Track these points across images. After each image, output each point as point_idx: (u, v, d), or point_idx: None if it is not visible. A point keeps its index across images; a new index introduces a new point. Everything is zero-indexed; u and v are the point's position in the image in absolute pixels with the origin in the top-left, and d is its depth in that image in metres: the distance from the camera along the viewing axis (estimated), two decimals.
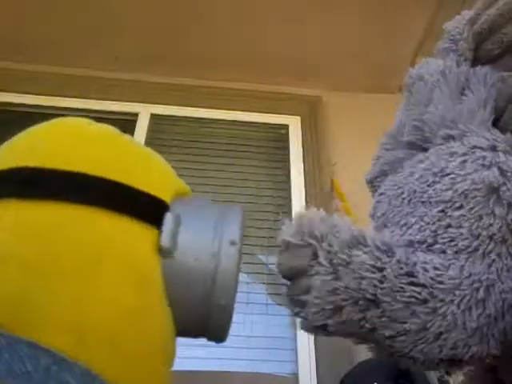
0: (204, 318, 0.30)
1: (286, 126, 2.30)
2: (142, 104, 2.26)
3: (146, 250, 0.27)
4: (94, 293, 0.24)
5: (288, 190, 2.05)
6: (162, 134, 2.22)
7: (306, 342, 1.63)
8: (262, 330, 1.70)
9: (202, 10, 2.03)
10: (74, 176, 0.26)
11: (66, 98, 2.22)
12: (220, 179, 2.06)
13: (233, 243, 0.30)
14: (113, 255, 0.25)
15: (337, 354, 1.58)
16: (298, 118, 2.32)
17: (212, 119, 2.27)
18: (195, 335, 0.33)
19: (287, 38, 2.15)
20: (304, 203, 2.00)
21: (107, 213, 0.26)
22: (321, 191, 2.01)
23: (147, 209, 0.28)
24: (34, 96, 2.20)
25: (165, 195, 0.29)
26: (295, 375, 1.59)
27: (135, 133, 2.15)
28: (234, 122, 2.28)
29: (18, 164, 0.27)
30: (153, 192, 0.29)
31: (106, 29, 2.13)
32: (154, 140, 2.18)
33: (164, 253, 0.28)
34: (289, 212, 1.97)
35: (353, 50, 2.22)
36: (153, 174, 0.31)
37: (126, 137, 0.33)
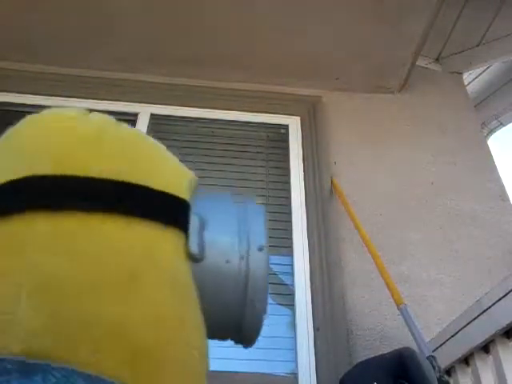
0: (236, 321, 0.30)
1: (285, 126, 2.30)
2: (141, 104, 2.26)
3: (176, 256, 0.26)
4: (135, 314, 0.23)
5: (288, 190, 2.05)
6: (161, 134, 2.22)
7: (305, 341, 1.63)
8: (262, 329, 1.70)
9: (202, 10, 2.03)
10: (94, 183, 0.25)
11: (66, 98, 2.22)
12: (220, 179, 2.06)
13: (261, 249, 0.30)
14: (150, 268, 0.24)
15: (336, 354, 1.58)
16: (298, 118, 2.32)
17: (212, 119, 2.27)
18: (224, 338, 0.32)
19: (287, 38, 2.15)
20: (304, 203, 2.00)
21: (133, 220, 0.25)
22: (321, 191, 2.01)
23: (171, 212, 0.27)
24: (34, 96, 2.20)
25: (184, 193, 0.28)
26: (295, 375, 1.59)
27: None
28: (234, 122, 2.28)
29: (36, 172, 0.25)
30: (172, 190, 0.28)
31: (106, 29, 2.13)
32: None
33: (194, 258, 0.27)
34: (289, 212, 1.97)
35: (353, 50, 2.22)
36: (167, 168, 0.30)
37: (127, 127, 0.31)
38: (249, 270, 0.29)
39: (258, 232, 0.31)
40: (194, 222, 0.28)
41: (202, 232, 0.28)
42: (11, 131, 0.30)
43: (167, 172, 0.29)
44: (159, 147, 0.31)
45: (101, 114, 0.30)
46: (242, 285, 0.29)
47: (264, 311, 0.30)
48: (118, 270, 0.23)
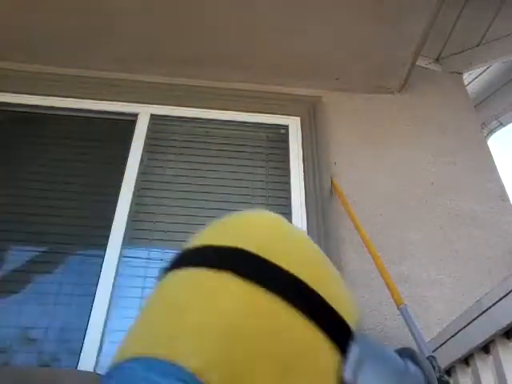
0: None
1: (285, 127, 2.30)
2: (141, 104, 2.26)
3: (330, 371, 0.26)
4: None
5: (288, 190, 2.05)
6: (161, 135, 2.22)
7: None
8: None
9: (202, 10, 2.03)
10: (286, 274, 0.28)
11: (66, 99, 2.22)
12: (220, 179, 2.06)
13: None
14: (304, 366, 0.25)
15: None
16: (298, 118, 2.32)
17: (211, 119, 2.27)
18: None
19: (287, 38, 2.15)
20: (304, 203, 2.00)
21: (304, 319, 0.27)
22: (321, 191, 2.01)
23: (338, 330, 0.28)
24: (33, 96, 2.20)
25: (351, 321, 0.29)
26: None
27: (135, 133, 2.15)
28: (234, 123, 2.28)
29: (241, 245, 0.30)
30: (343, 315, 0.29)
31: (106, 29, 2.13)
32: (153, 140, 2.18)
33: None
34: (289, 212, 1.97)
35: (353, 50, 2.22)
36: (345, 296, 0.31)
37: (319, 249, 0.35)
38: None
39: None
40: (354, 352, 0.27)
41: (359, 368, 0.27)
42: (234, 219, 0.35)
43: (344, 299, 0.31)
44: (342, 281, 0.34)
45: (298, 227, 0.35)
46: None
47: None
48: (276, 358, 0.25)
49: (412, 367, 0.30)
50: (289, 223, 0.35)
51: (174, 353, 0.24)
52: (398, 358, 0.31)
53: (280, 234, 0.33)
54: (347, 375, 0.26)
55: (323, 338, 0.27)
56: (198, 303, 0.27)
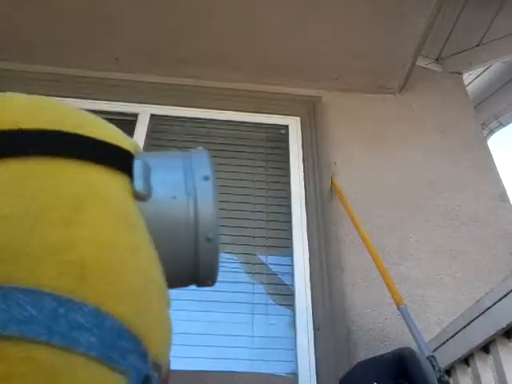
0: (192, 256, 0.29)
1: (285, 127, 2.30)
2: (141, 104, 2.26)
3: (122, 194, 0.27)
4: (83, 234, 0.24)
5: (288, 190, 2.05)
6: (161, 135, 2.22)
7: (305, 342, 1.63)
8: (262, 329, 1.70)
9: (202, 10, 2.03)
10: (48, 132, 0.27)
11: (66, 99, 2.22)
12: (220, 179, 2.06)
13: (206, 178, 0.30)
14: (95, 200, 0.25)
15: (336, 354, 1.58)
16: (298, 118, 2.32)
17: (211, 119, 2.27)
18: (183, 282, 0.31)
19: (287, 38, 2.15)
20: (304, 203, 2.00)
21: (78, 162, 0.26)
22: (321, 191, 2.01)
23: (117, 157, 0.28)
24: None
25: (128, 147, 0.30)
26: (295, 375, 1.59)
27: (135, 133, 2.15)
28: (234, 123, 2.28)
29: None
30: (118, 144, 0.29)
31: (106, 29, 2.14)
32: (153, 140, 2.18)
33: (140, 197, 0.28)
34: (289, 212, 1.97)
35: (353, 50, 2.22)
36: (113, 130, 0.32)
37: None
38: (197, 201, 0.29)
39: (203, 164, 0.31)
40: (137, 165, 0.28)
41: (148, 174, 0.29)
42: None
43: (113, 132, 0.31)
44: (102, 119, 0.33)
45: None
46: (192, 220, 0.29)
47: (218, 241, 0.29)
48: (64, 201, 0.24)
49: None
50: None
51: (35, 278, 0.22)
52: (178, 152, 0.33)
53: (28, 104, 0.31)
54: (137, 187, 0.27)
55: (103, 169, 0.27)
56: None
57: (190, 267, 0.30)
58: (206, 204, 0.29)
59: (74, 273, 0.22)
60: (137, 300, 0.24)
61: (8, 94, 0.32)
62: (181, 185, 0.29)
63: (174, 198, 0.29)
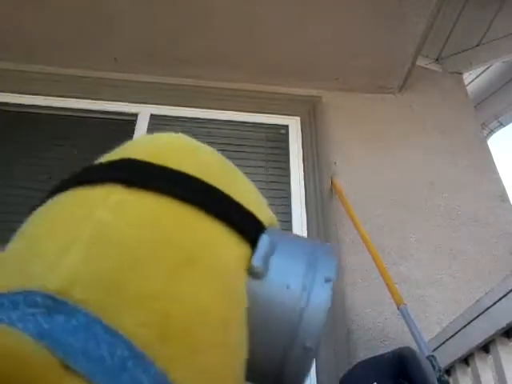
0: (281, 358, 0.26)
1: (285, 127, 2.30)
2: (141, 104, 2.26)
3: (237, 263, 0.26)
4: (181, 291, 0.23)
5: (288, 190, 2.05)
6: None
7: None
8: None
9: (202, 10, 2.03)
10: (180, 175, 0.27)
11: (66, 99, 2.22)
12: None
13: (327, 280, 0.27)
14: (203, 259, 0.24)
15: (336, 354, 1.58)
16: (298, 118, 2.32)
17: (211, 119, 2.27)
18: (264, 380, 0.28)
19: (287, 38, 2.15)
20: (304, 203, 2.00)
21: (205, 216, 0.26)
22: (321, 191, 2.01)
23: (245, 223, 0.27)
24: (32, 96, 2.20)
25: (262, 217, 0.29)
26: None
27: (135, 133, 2.15)
28: (234, 122, 2.28)
29: (129, 157, 0.28)
30: (253, 210, 0.28)
31: (106, 29, 2.13)
32: None
33: (254, 273, 0.26)
34: (289, 212, 1.97)
35: (353, 50, 2.22)
36: (252, 194, 0.31)
37: (223, 158, 0.34)
38: (308, 300, 0.26)
39: (328, 266, 0.28)
40: (264, 241, 0.27)
41: (271, 254, 0.27)
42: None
43: (252, 196, 0.30)
44: (248, 181, 0.33)
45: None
46: (297, 315, 0.26)
47: (315, 352, 0.26)
48: (178, 252, 0.24)
49: (321, 246, 0.31)
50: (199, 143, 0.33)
51: (25, 278, 0.21)
52: (306, 239, 0.32)
53: (180, 145, 0.31)
54: (256, 262, 0.26)
55: (228, 232, 0.26)
56: (61, 219, 0.25)
57: (274, 369, 0.27)
58: (317, 307, 0.26)
59: (157, 327, 0.21)
60: (208, 380, 0.22)
61: (166, 134, 0.32)
62: (298, 277, 0.27)
63: (288, 287, 0.27)
